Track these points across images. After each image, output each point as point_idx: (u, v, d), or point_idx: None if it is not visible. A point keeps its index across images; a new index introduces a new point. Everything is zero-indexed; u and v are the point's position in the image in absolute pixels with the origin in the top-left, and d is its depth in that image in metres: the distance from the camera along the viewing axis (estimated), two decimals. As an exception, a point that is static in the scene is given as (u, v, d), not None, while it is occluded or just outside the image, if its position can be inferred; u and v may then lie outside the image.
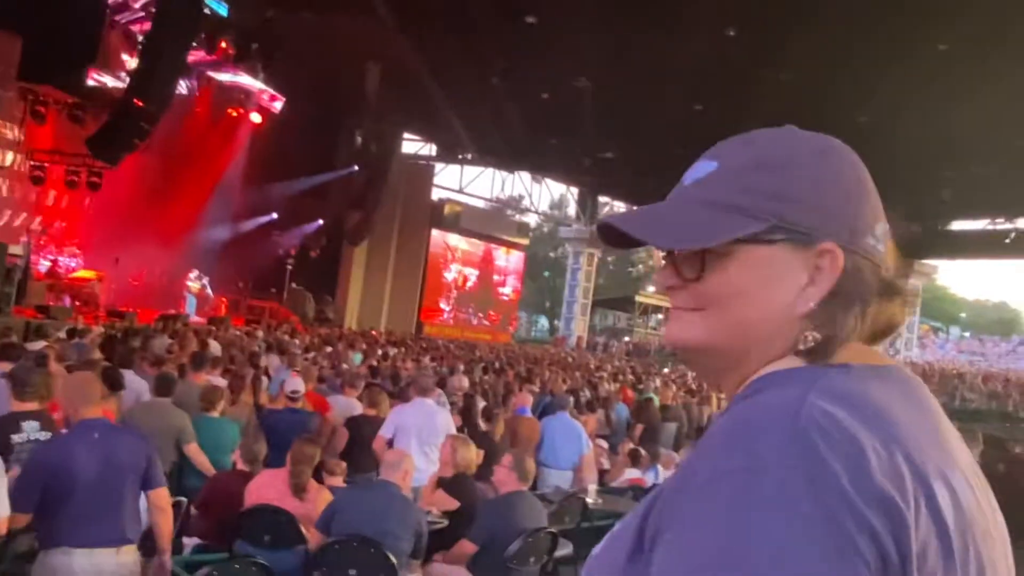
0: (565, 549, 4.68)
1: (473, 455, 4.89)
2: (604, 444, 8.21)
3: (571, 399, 8.34)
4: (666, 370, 20.47)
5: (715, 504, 0.61)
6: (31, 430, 3.86)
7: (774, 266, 0.74)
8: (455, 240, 31.90)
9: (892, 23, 14.69)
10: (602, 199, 37.98)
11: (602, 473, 7.18)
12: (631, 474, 6.78)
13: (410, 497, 4.34)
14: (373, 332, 21.07)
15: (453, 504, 4.67)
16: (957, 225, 31.11)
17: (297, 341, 12.86)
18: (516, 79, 20.04)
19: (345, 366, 9.96)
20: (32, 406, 3.94)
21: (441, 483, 4.85)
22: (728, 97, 18.81)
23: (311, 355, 10.61)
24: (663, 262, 0.83)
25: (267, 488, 4.15)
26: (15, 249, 13.17)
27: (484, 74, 19.57)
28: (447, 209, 31.13)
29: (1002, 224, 30.13)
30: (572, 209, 38.57)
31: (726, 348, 0.77)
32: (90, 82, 14.94)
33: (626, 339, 37.52)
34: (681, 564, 0.61)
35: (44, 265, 16.60)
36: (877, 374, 0.72)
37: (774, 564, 0.57)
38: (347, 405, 6.82)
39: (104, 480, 3.16)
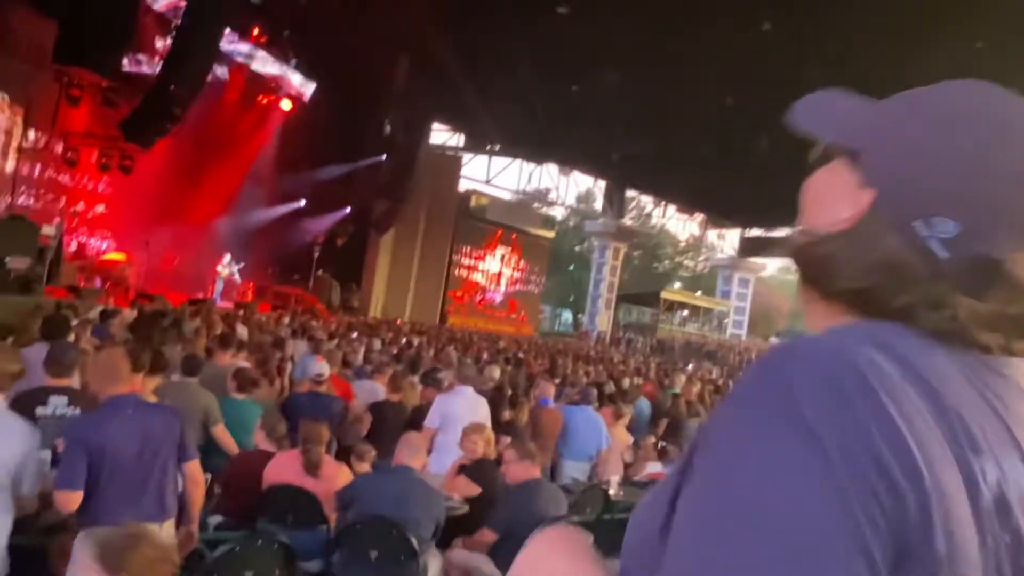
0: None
1: (492, 443, 4.89)
2: (628, 439, 8.16)
3: (594, 392, 8.30)
4: (690, 367, 20.34)
5: (739, 442, 0.62)
6: (58, 404, 3.89)
7: (838, 187, 0.78)
8: (481, 247, 31.92)
9: (928, 20, 14.44)
10: (629, 193, 37.77)
11: (625, 467, 7.14)
12: (653, 468, 6.73)
13: (430, 483, 4.34)
14: (398, 321, 21.15)
15: (475, 490, 4.67)
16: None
17: (322, 326, 12.93)
18: (546, 70, 19.97)
19: (365, 350, 9.99)
20: (64, 382, 3.98)
21: (463, 469, 4.85)
22: (761, 93, 18.59)
23: (335, 341, 10.66)
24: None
25: (285, 468, 4.18)
26: (47, 230, 13.34)
27: (514, 65, 19.51)
28: (474, 200, 31.14)
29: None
30: (599, 203, 38.42)
31: (795, 251, 0.82)
32: (124, 66, 15.09)
33: (650, 336, 37.34)
34: (699, 512, 0.62)
35: (76, 246, 16.84)
36: (940, 344, 0.69)
37: (787, 523, 0.57)
38: (371, 390, 6.84)
39: (143, 456, 3.20)
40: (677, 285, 50.48)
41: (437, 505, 3.98)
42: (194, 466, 3.50)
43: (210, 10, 14.02)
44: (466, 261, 31.52)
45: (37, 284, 11.87)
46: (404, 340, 13.58)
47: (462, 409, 5.69)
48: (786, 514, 0.58)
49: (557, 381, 9.58)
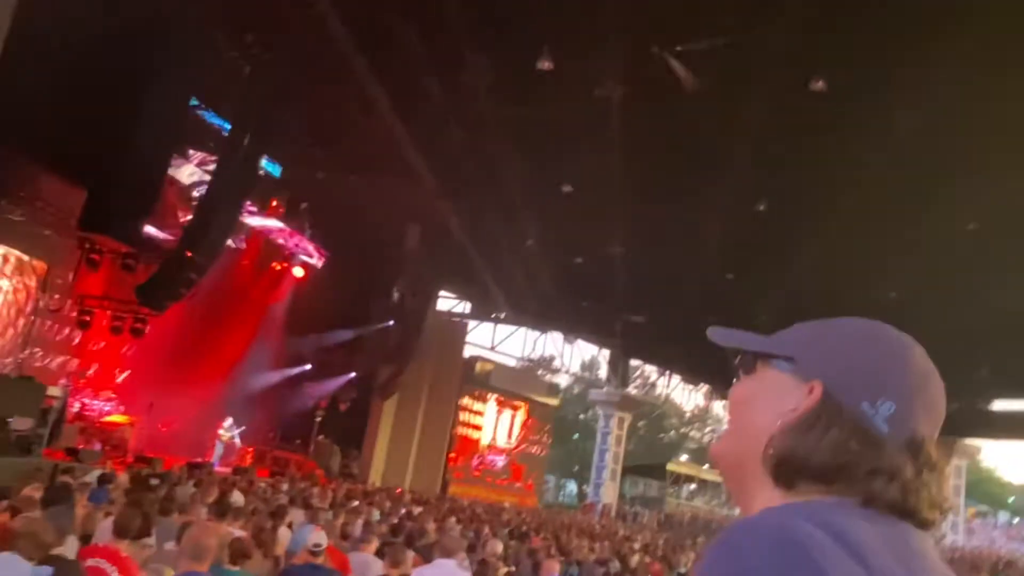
0: None
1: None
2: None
3: (601, 570, 7.99)
4: (700, 542, 19.58)
5: None
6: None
7: (777, 387, 0.90)
8: (484, 400, 31.76)
9: (920, 204, 15.08)
10: (634, 362, 37.84)
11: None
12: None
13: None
14: (398, 490, 20.64)
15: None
16: (999, 405, 30.26)
17: (321, 494, 12.63)
18: (550, 243, 20.67)
19: (364, 521, 9.70)
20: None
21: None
22: (759, 269, 19.14)
23: (334, 510, 10.39)
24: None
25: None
26: (53, 391, 13.40)
27: (519, 238, 20.21)
28: (478, 367, 31.21)
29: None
30: (603, 371, 38.44)
31: (731, 454, 0.93)
32: (145, 233, 15.70)
33: (657, 510, 36.21)
34: None
35: (79, 407, 16.79)
36: (868, 516, 0.80)
37: None
38: (368, 563, 6.60)
39: None
40: (684, 457, 49.53)
41: None
42: None
43: (232, 184, 14.76)
44: (469, 422, 31.14)
45: (37, 446, 11.78)
46: (404, 511, 13.21)
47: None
48: None
49: (562, 559, 9.23)
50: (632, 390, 39.08)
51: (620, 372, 35.57)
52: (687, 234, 18.20)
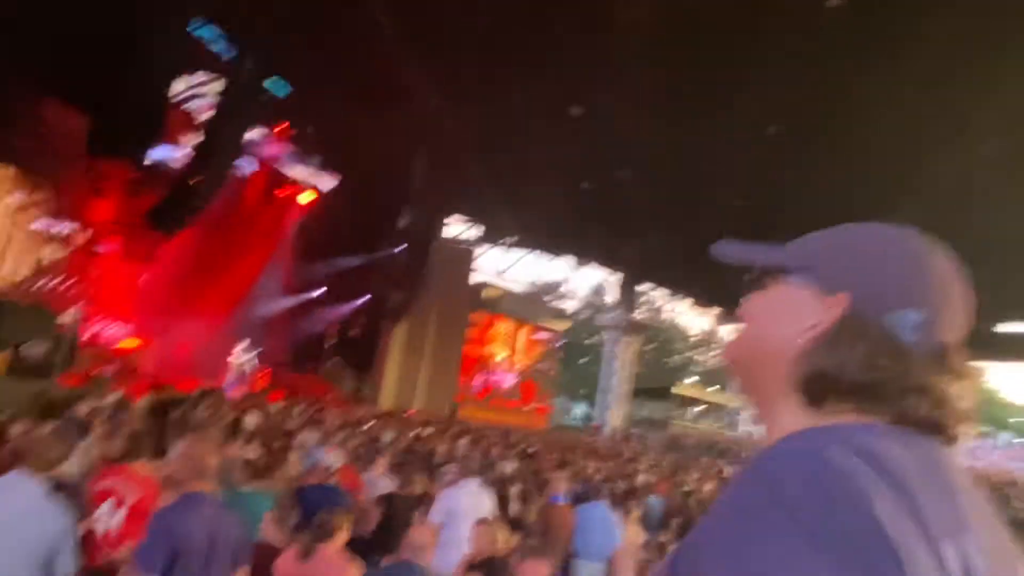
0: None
1: (505, 539, 4.78)
2: (641, 537, 7.96)
3: (607, 489, 8.15)
4: (704, 463, 19.97)
5: (738, 537, 0.68)
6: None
7: (795, 301, 0.87)
8: (493, 322, 32.00)
9: (929, 123, 14.77)
10: (643, 286, 37.91)
11: (640, 566, 6.94)
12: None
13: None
14: (409, 412, 21.01)
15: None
16: (1004, 327, 30.38)
17: (333, 417, 12.85)
18: (561, 167, 20.44)
19: (376, 442, 9.89)
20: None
21: (473, 567, 4.73)
22: (771, 193, 18.91)
23: (346, 432, 10.58)
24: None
25: (290, 562, 4.12)
26: (65, 317, 13.51)
27: (530, 161, 20.00)
28: (486, 292, 31.35)
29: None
30: (611, 296, 38.56)
31: (746, 360, 0.90)
32: (151, 158, 15.60)
33: (664, 432, 36.83)
34: None
35: (92, 334, 16.98)
36: (900, 436, 0.77)
37: None
38: (379, 483, 6.75)
39: (210, 554, 3.23)
40: (691, 380, 50.08)
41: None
42: (245, 573, 3.53)
43: (237, 107, 14.56)
44: (477, 345, 31.47)
45: (51, 371, 11.94)
46: (414, 432, 13.46)
47: (467, 504, 5.59)
48: None
49: (569, 477, 9.42)
50: (640, 314, 39.29)
51: (629, 296, 35.67)
52: (699, 158, 17.96)
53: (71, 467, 4.29)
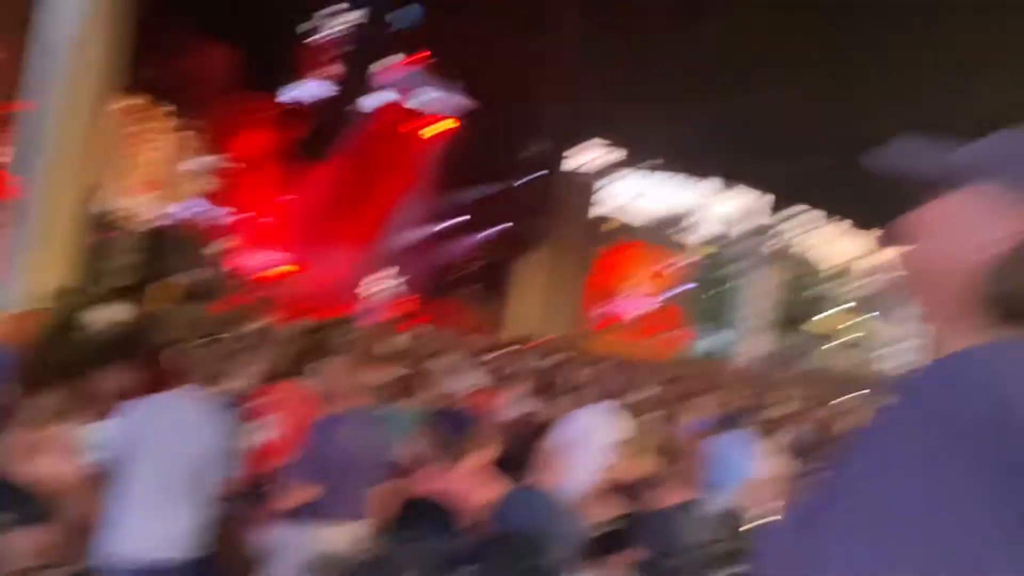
0: (737, 568, 4.46)
1: (644, 462, 4.78)
2: (782, 468, 7.77)
3: (747, 417, 7.97)
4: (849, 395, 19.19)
5: (896, 451, 0.65)
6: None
7: (976, 212, 0.77)
8: (630, 249, 31.62)
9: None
10: (790, 210, 36.26)
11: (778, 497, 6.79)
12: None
13: (570, 501, 4.29)
14: (546, 338, 21.24)
15: (623, 510, 4.58)
16: None
17: (472, 342, 13.18)
18: (704, 90, 19.62)
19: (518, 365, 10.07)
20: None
21: (611, 489, 4.77)
22: (929, 119, 17.44)
23: (485, 357, 10.82)
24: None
25: (430, 479, 4.27)
26: (214, 247, 14.35)
27: (670, 85, 19.32)
28: (618, 222, 30.89)
29: None
30: (755, 222, 37.12)
31: (922, 276, 0.81)
32: (296, 91, 16.15)
33: (804, 364, 35.61)
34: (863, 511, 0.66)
35: (238, 263, 18.04)
36: None
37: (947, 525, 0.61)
38: (515, 405, 6.88)
39: (362, 467, 3.43)
40: (837, 310, 47.91)
41: (576, 523, 3.94)
42: (391, 485, 3.79)
43: (373, 39, 14.76)
44: (612, 274, 31.26)
45: (202, 299, 12.79)
46: (552, 358, 13.60)
47: (601, 426, 5.59)
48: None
49: (710, 405, 9.27)
50: (784, 241, 37.67)
51: (773, 222, 34.25)
52: (852, 79, 16.79)
53: (235, 383, 4.61)
